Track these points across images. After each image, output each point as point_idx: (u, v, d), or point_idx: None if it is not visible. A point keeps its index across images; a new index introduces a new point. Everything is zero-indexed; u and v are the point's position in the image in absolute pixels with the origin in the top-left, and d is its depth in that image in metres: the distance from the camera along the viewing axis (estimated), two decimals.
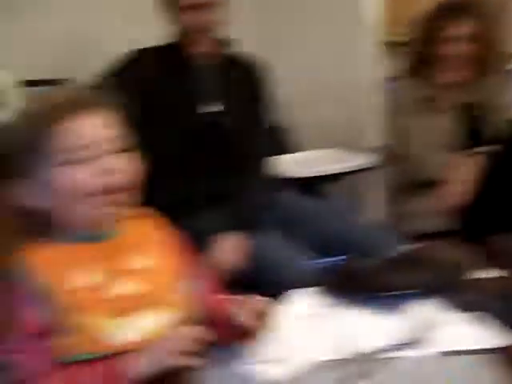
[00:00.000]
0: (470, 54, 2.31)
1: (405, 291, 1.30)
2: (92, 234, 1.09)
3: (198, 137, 2.00)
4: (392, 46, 3.51)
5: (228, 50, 2.11)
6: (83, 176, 1.04)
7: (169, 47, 2.08)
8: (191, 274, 1.19)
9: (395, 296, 1.30)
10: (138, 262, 1.11)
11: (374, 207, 3.18)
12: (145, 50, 2.07)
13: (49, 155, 1.03)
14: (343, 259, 1.48)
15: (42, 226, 1.07)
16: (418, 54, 2.41)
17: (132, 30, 2.40)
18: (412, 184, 2.34)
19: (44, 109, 1.06)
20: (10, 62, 2.60)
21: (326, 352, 1.12)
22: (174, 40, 2.08)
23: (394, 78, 2.62)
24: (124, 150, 1.09)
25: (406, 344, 1.13)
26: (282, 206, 2.16)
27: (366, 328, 1.19)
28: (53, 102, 1.08)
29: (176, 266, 1.17)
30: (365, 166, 2.87)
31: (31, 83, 2.70)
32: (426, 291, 1.31)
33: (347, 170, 2.84)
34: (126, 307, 1.06)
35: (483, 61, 2.33)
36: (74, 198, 1.05)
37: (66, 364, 1.00)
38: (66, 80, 2.82)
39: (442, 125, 2.33)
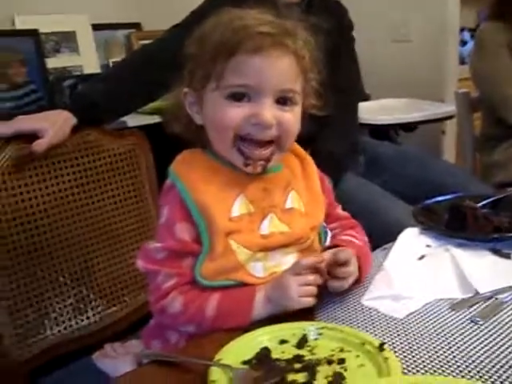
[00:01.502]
0: None
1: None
2: None
3: None
4: None
5: None
6: (234, 115, 0.99)
7: None
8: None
9: (509, 237, 1.25)
10: (292, 200, 1.09)
11: (449, 156, 3.15)
12: None
13: (220, 80, 0.99)
14: (448, 199, 1.44)
15: (199, 137, 1.07)
16: None
17: None
18: (502, 132, 2.25)
19: (234, 32, 0.98)
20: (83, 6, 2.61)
21: (445, 291, 1.09)
22: None
23: (478, 25, 2.52)
24: (290, 103, 1.03)
25: None
26: (361, 152, 2.13)
27: (483, 269, 1.15)
28: (251, 28, 0.98)
29: (323, 208, 1.14)
30: (441, 116, 2.81)
31: (97, 27, 2.72)
32: None
33: (423, 119, 2.78)
34: (275, 244, 1.05)
35: None
36: (215, 129, 1.03)
37: (203, 286, 1.01)
38: (135, 24, 2.84)
39: None
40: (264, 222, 1.05)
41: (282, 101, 1.01)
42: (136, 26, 2.89)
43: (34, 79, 2.50)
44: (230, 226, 1.01)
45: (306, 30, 1.05)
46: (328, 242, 1.16)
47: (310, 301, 0.99)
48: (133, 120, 2.19)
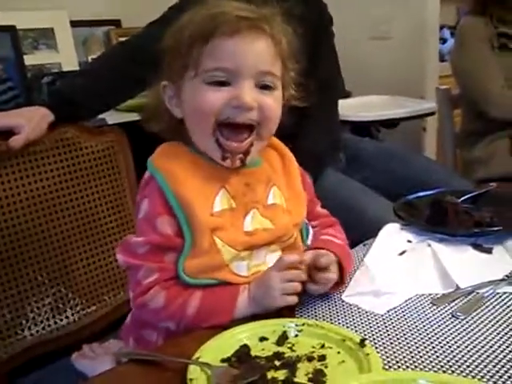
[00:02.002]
0: None
1: (499, 228, 1.26)
2: None
3: None
4: None
5: None
6: (213, 99, 0.98)
7: None
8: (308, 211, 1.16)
9: (490, 232, 1.25)
10: (274, 195, 1.08)
11: (429, 153, 3.16)
12: None
13: (198, 67, 0.98)
14: (430, 194, 1.43)
15: (180, 133, 1.06)
16: None
17: None
18: (483, 127, 2.25)
19: (212, 18, 0.98)
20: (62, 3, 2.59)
21: (426, 287, 1.09)
22: None
23: (458, 22, 2.53)
24: (269, 87, 1.01)
25: (505, 280, 1.09)
26: (342, 149, 2.13)
27: (464, 264, 1.15)
28: (228, 14, 0.98)
29: (304, 205, 1.13)
30: (422, 112, 2.82)
31: (76, 24, 2.70)
32: None
33: (404, 116, 2.78)
34: (259, 241, 1.04)
35: None
36: (194, 116, 1.02)
37: (186, 284, 1.00)
38: (115, 21, 2.82)
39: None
40: (247, 218, 1.04)
41: (263, 86, 1.00)
42: (115, 22, 2.87)
43: (11, 76, 2.47)
44: (212, 221, 0.99)
45: (284, 19, 1.04)
46: (309, 241, 1.15)
47: (293, 299, 0.98)
48: (112, 117, 2.17)
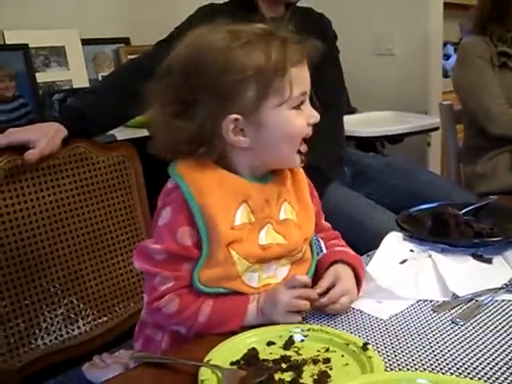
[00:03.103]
0: None
1: (498, 238, 1.30)
2: (259, 175, 1.09)
3: None
4: (447, 8, 3.49)
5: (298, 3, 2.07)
6: (302, 122, 1.05)
7: (238, 1, 2.04)
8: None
9: (490, 242, 1.29)
10: (285, 211, 1.11)
11: (434, 167, 3.19)
12: (215, 4, 2.05)
13: (283, 95, 1.02)
14: (432, 207, 1.48)
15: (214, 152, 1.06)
16: (488, 10, 2.34)
17: None
18: (484, 143, 2.29)
19: (281, 49, 1.01)
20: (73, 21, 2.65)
21: (426, 294, 1.13)
22: None
23: (461, 39, 2.57)
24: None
25: (503, 288, 1.12)
26: (347, 164, 2.17)
27: (463, 273, 1.19)
28: (287, 43, 1.03)
29: (313, 219, 1.17)
30: (426, 127, 2.86)
31: (87, 42, 2.76)
32: None
33: (408, 131, 2.83)
34: (272, 255, 1.08)
35: None
36: (287, 140, 1.05)
37: (199, 292, 1.03)
38: (124, 39, 2.88)
39: None
40: (262, 233, 1.07)
41: None
42: (125, 40, 2.93)
43: (23, 93, 2.52)
44: (232, 234, 1.02)
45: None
46: (324, 252, 1.20)
47: (296, 318, 1.02)
48: (121, 133, 2.22)
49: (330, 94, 2.01)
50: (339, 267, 1.11)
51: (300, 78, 1.03)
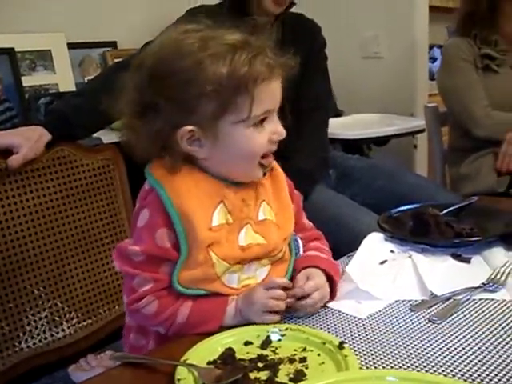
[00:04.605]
0: None
1: (477, 238, 1.31)
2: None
3: None
4: (433, 11, 3.51)
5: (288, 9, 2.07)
6: (262, 140, 1.04)
7: (230, 5, 2.04)
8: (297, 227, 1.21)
9: (469, 242, 1.31)
10: (264, 211, 1.12)
11: (421, 169, 3.21)
12: (206, 6, 2.05)
13: (242, 113, 1.01)
14: (412, 208, 1.49)
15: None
16: (472, 12, 2.35)
17: None
18: (469, 144, 2.30)
19: (247, 65, 0.99)
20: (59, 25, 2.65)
21: (404, 293, 1.14)
22: None
23: (446, 40, 2.58)
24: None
25: (481, 288, 1.14)
26: (332, 166, 2.18)
27: (442, 273, 1.20)
28: (257, 59, 1.01)
29: (292, 219, 1.17)
30: (411, 130, 2.88)
31: (73, 45, 2.76)
32: (499, 238, 1.31)
33: (394, 133, 2.84)
34: (252, 256, 1.08)
35: None
36: (243, 158, 1.05)
37: (178, 293, 1.04)
38: (111, 42, 2.89)
39: (502, 83, 2.28)
40: (241, 233, 1.08)
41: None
42: (112, 44, 2.93)
43: (9, 97, 2.52)
44: (210, 235, 1.03)
45: (278, 45, 1.08)
46: (301, 252, 1.20)
47: (272, 318, 1.02)
48: (107, 137, 2.22)
49: (315, 99, 2.02)
50: (310, 269, 1.12)
51: (265, 95, 1.02)
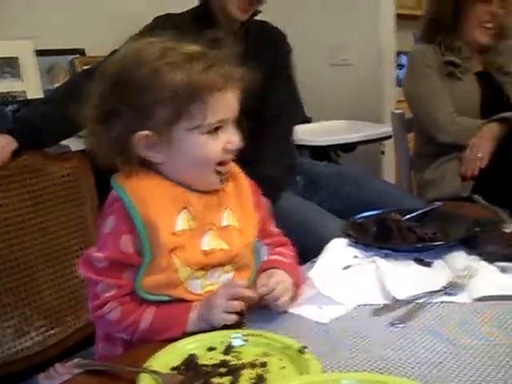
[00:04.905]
0: (496, 17, 2.30)
1: (439, 243, 1.34)
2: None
3: None
4: (401, 18, 3.55)
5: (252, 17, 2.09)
6: (216, 148, 1.06)
7: (196, 13, 2.06)
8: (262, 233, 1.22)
9: (431, 247, 1.33)
10: (227, 217, 1.13)
11: (388, 176, 3.25)
12: (172, 15, 2.06)
13: (195, 120, 1.04)
14: (376, 214, 1.51)
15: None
16: (437, 19, 2.38)
17: None
18: (433, 150, 2.33)
19: (207, 72, 1.03)
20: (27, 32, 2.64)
21: (366, 298, 1.15)
22: (200, 5, 2.06)
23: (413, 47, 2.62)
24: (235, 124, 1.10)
25: (441, 291, 1.16)
26: (300, 173, 2.20)
27: (405, 277, 1.23)
28: (212, 70, 1.04)
29: (255, 225, 1.18)
30: (379, 136, 2.92)
31: (42, 52, 2.75)
32: (460, 243, 1.34)
33: (361, 140, 2.87)
34: (215, 261, 1.10)
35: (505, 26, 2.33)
36: (197, 164, 1.07)
37: (142, 299, 1.05)
38: (79, 50, 2.88)
39: (466, 90, 2.32)
40: (204, 239, 1.09)
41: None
42: (80, 51, 2.92)
43: None
44: (173, 240, 1.04)
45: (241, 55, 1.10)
46: (265, 258, 1.22)
47: (231, 318, 1.03)
48: (75, 144, 2.21)
49: (280, 106, 2.05)
50: (271, 270, 1.14)
51: (220, 105, 1.05)
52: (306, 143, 2.62)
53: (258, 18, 2.07)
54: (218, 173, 1.10)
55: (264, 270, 1.15)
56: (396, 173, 3.30)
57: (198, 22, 1.94)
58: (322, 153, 2.76)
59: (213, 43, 1.09)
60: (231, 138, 1.08)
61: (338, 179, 2.16)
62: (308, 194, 2.09)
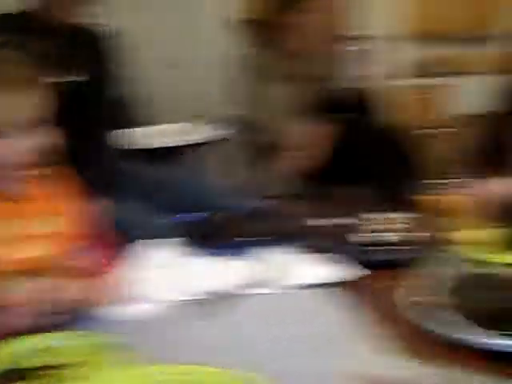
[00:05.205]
0: (319, 25, 2.42)
1: (255, 238, 1.43)
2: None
3: None
4: (241, 22, 3.64)
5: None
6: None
7: (28, 13, 2.01)
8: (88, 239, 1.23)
9: (247, 242, 1.42)
10: (42, 225, 1.14)
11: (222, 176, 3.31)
12: (12, 15, 2.01)
13: None
14: (203, 215, 1.57)
15: None
16: (268, 24, 2.48)
17: None
18: (260, 150, 2.42)
19: None
20: None
21: (180, 293, 1.21)
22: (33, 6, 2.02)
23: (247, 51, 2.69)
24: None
25: (254, 283, 1.24)
26: (135, 177, 2.22)
27: (217, 271, 1.30)
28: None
29: (75, 231, 1.20)
30: (216, 138, 2.98)
31: None
32: (275, 238, 1.44)
33: (193, 143, 2.94)
34: (28, 269, 1.09)
35: (329, 34, 2.46)
36: None
37: None
38: None
39: (287, 93, 2.42)
40: (19, 248, 1.11)
41: None
42: None
43: None
44: None
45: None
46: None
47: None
48: None
49: (100, 107, 2.07)
50: None
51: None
52: (141, 147, 2.63)
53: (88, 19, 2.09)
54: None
55: None
56: (231, 173, 3.37)
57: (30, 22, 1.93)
58: (157, 156, 2.77)
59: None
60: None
61: (175, 182, 2.19)
62: (144, 198, 2.10)
